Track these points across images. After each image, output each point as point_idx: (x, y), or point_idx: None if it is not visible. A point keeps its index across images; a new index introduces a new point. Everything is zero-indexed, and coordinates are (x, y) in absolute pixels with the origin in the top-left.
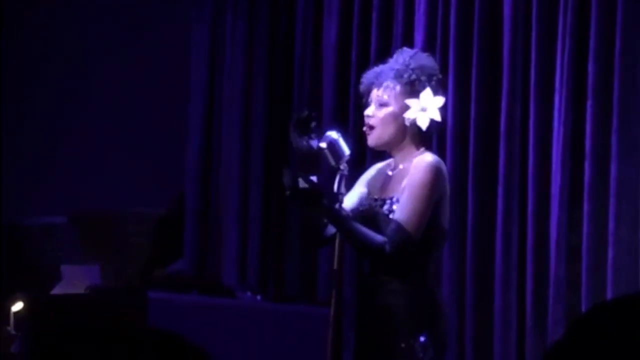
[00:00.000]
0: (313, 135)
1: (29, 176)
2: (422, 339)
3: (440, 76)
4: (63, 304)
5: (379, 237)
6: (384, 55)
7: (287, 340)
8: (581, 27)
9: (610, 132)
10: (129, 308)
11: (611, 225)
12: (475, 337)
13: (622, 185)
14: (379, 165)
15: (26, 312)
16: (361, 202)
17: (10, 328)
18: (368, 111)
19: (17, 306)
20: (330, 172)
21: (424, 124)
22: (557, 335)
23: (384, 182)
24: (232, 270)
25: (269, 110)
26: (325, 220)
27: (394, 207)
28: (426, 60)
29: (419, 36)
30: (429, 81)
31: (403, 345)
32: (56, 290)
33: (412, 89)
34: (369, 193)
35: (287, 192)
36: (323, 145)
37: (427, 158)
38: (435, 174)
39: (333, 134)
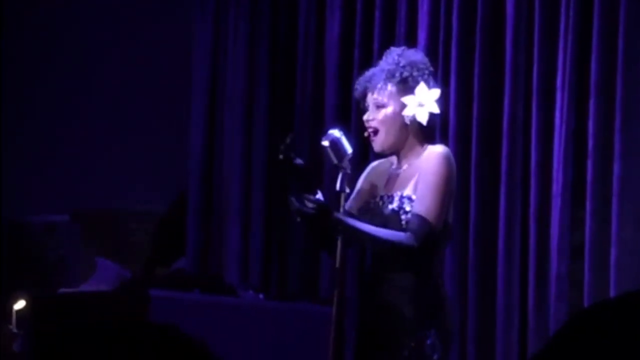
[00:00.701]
0: (293, 155)
1: (30, 174)
2: (429, 340)
3: (431, 69)
4: (65, 303)
5: (401, 234)
6: (387, 53)
7: (289, 339)
8: (583, 26)
9: (612, 131)
10: (130, 306)
11: (614, 224)
12: (477, 335)
13: (625, 185)
14: (380, 162)
15: (28, 311)
16: (365, 200)
17: (12, 326)
18: (366, 116)
19: (19, 304)
20: (333, 171)
21: (424, 119)
22: None
23: (389, 179)
24: (234, 269)
25: (271, 109)
26: (339, 233)
27: (405, 203)
28: (415, 55)
29: (421, 35)
30: (421, 76)
31: (413, 344)
32: (89, 284)
33: (406, 86)
34: (372, 190)
35: (298, 219)
36: (325, 143)
37: (437, 149)
38: (449, 163)
39: (335, 133)
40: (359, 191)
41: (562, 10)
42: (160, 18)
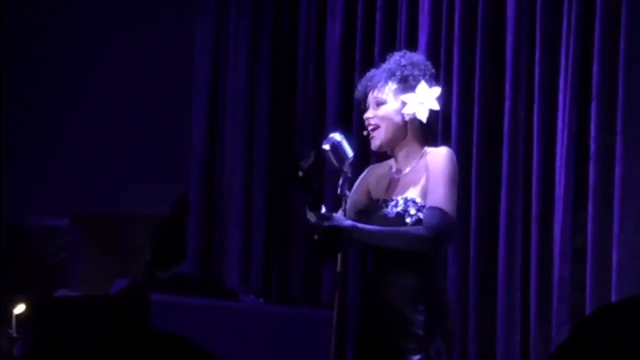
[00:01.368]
0: (312, 174)
1: (32, 177)
2: (434, 345)
3: (433, 70)
4: (65, 306)
5: (417, 227)
6: (388, 55)
7: (290, 343)
8: (585, 28)
9: (614, 133)
10: (131, 310)
11: (616, 226)
12: (478, 338)
13: (627, 187)
14: (379, 165)
15: (29, 314)
16: (364, 202)
17: (13, 330)
18: (367, 114)
19: (20, 308)
20: (334, 174)
21: (423, 117)
22: (561, 337)
23: (390, 183)
24: (235, 273)
25: (272, 111)
26: (354, 242)
27: (410, 206)
28: (416, 57)
29: (422, 37)
30: (422, 75)
31: (417, 351)
32: None
33: (407, 85)
34: (371, 193)
35: (315, 237)
36: (326, 147)
37: (441, 150)
38: (453, 162)
39: (336, 136)
40: (358, 193)
41: (564, 12)
42: (161, 20)
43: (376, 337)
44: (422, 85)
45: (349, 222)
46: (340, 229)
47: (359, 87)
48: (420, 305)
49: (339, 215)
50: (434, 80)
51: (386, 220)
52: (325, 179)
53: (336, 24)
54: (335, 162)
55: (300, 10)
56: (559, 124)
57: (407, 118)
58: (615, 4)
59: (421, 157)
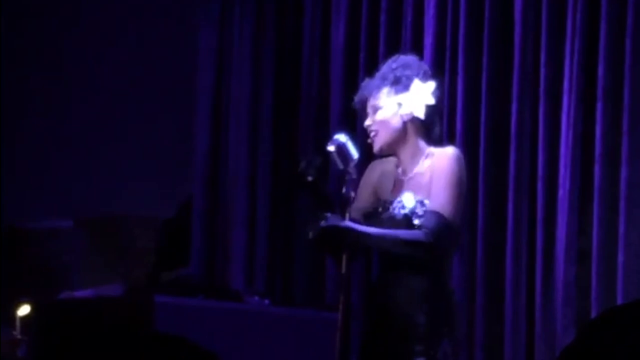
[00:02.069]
0: (321, 178)
1: (34, 179)
2: (441, 349)
3: (426, 68)
4: (69, 309)
5: (416, 232)
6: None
7: (295, 346)
8: (591, 29)
9: (620, 135)
10: (135, 312)
11: (621, 229)
12: (485, 341)
13: (633, 189)
14: (380, 162)
15: (32, 317)
16: (371, 202)
17: (17, 332)
18: (366, 122)
19: (23, 310)
20: (338, 176)
21: (421, 113)
22: (566, 340)
23: (395, 184)
24: (239, 274)
25: (276, 114)
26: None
27: (417, 207)
28: (408, 58)
29: (428, 39)
30: (416, 75)
31: (431, 352)
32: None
33: (400, 86)
34: (377, 192)
35: (310, 234)
36: (331, 148)
37: (448, 151)
38: (460, 163)
39: (341, 137)
40: (364, 193)
41: (569, 14)
42: (165, 23)
43: (382, 339)
44: (416, 83)
45: (345, 223)
46: (338, 229)
47: (357, 98)
48: (426, 308)
49: (336, 215)
50: (428, 77)
51: (394, 221)
52: (330, 181)
53: (340, 26)
54: (340, 164)
55: (305, 12)
56: (564, 125)
57: (405, 119)
58: (620, 4)
59: (426, 156)
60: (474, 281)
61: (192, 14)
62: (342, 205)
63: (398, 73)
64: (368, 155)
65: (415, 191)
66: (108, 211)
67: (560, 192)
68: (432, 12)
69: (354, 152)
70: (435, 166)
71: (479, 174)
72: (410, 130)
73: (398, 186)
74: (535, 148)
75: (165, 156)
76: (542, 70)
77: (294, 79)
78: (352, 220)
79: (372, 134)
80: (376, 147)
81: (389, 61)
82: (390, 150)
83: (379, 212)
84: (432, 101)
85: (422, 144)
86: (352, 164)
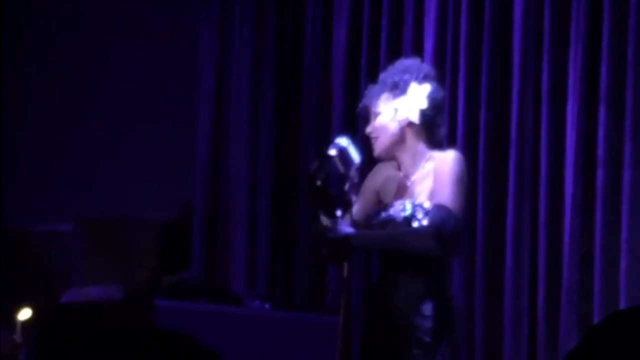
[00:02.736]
0: (329, 183)
1: (35, 183)
2: (440, 353)
3: (426, 71)
4: (70, 312)
5: (421, 227)
6: (393, 61)
7: (296, 349)
8: (593, 32)
9: (623, 139)
10: (136, 315)
11: (624, 233)
12: (485, 345)
13: (636, 193)
14: (385, 166)
15: (33, 320)
16: (373, 204)
17: (17, 336)
18: (367, 129)
19: (24, 314)
20: (340, 180)
21: (415, 117)
22: (569, 344)
23: (398, 188)
24: (240, 278)
25: (277, 117)
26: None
27: (418, 211)
28: (410, 62)
29: (428, 42)
30: (415, 78)
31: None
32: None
33: (398, 91)
34: (380, 195)
35: (323, 251)
36: (333, 152)
37: (450, 154)
38: (462, 165)
39: (343, 141)
40: (367, 196)
41: (572, 16)
42: (166, 26)
43: (382, 343)
44: (412, 86)
45: (352, 231)
46: (346, 239)
47: (360, 106)
48: (427, 311)
49: (341, 222)
50: (428, 79)
51: (394, 224)
52: (332, 185)
53: (341, 29)
54: (341, 168)
55: (306, 16)
56: (567, 129)
57: (402, 124)
58: (623, 7)
59: (427, 160)
60: (475, 285)
61: (193, 15)
62: (343, 209)
63: (396, 78)
64: (369, 159)
65: (417, 195)
66: (109, 214)
67: (563, 196)
68: (433, 15)
69: (356, 156)
70: (437, 168)
71: (479, 177)
72: (409, 134)
73: (401, 190)
74: (537, 152)
75: (166, 158)
76: (545, 74)
77: (295, 83)
78: (353, 223)
79: (373, 140)
80: (376, 153)
81: (390, 66)
82: (391, 155)
83: (381, 214)
84: (424, 105)
85: (422, 147)
86: (353, 168)
